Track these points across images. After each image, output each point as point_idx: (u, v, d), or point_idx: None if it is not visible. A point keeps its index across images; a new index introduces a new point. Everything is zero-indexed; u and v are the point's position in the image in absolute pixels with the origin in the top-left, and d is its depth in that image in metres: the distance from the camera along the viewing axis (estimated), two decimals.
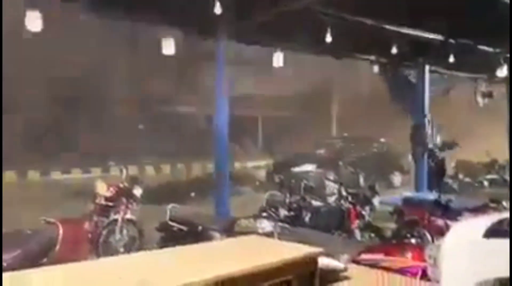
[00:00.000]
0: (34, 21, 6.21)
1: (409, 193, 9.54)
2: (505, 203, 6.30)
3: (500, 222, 1.98)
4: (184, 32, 8.74)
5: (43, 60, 16.89)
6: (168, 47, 7.96)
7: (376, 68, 11.82)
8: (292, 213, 7.71)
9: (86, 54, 18.04)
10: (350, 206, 7.21)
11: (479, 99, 14.40)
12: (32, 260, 5.16)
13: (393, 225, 7.35)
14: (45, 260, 5.45)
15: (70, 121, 19.73)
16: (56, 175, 17.61)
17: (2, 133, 12.71)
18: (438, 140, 11.52)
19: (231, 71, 8.52)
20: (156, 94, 21.32)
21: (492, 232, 1.90)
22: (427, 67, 11.58)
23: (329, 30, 7.90)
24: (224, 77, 8.37)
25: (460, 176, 13.26)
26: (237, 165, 17.46)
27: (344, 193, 7.61)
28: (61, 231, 5.82)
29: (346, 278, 2.89)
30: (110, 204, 6.68)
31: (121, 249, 6.48)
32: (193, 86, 20.71)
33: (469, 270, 1.90)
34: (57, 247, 5.74)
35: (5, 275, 2.00)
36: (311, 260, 2.47)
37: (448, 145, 11.83)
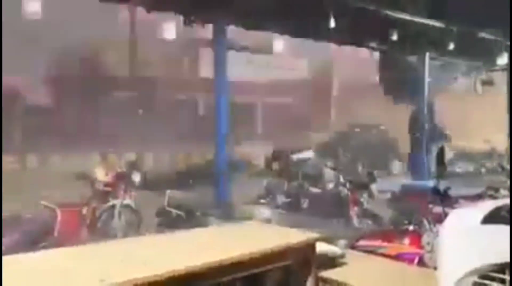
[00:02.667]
0: None
1: (407, 180, 9.56)
2: (503, 191, 6.31)
3: (499, 208, 1.99)
4: (183, 17, 8.67)
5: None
6: (169, 30, 7.88)
7: (376, 55, 11.78)
8: (290, 199, 7.73)
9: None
10: (348, 193, 7.23)
11: (478, 87, 14.35)
12: (31, 244, 5.17)
13: (391, 212, 7.36)
14: (43, 244, 5.46)
15: (69, 105, 19.59)
16: (55, 160, 17.55)
17: (2, 124, 12.66)
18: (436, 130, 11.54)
19: (230, 57, 8.47)
20: (157, 79, 21.18)
21: (491, 219, 1.90)
22: (427, 54, 11.51)
23: (331, 15, 7.84)
24: (224, 63, 8.33)
25: (459, 164, 13.29)
26: (236, 152, 17.42)
27: (342, 180, 7.62)
28: (59, 216, 5.84)
29: (344, 264, 2.90)
30: (109, 189, 6.69)
31: (119, 234, 6.50)
32: (193, 72, 20.58)
33: (466, 256, 1.90)
34: (56, 231, 5.76)
35: (4, 258, 2.00)
36: (309, 246, 2.48)
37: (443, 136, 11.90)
